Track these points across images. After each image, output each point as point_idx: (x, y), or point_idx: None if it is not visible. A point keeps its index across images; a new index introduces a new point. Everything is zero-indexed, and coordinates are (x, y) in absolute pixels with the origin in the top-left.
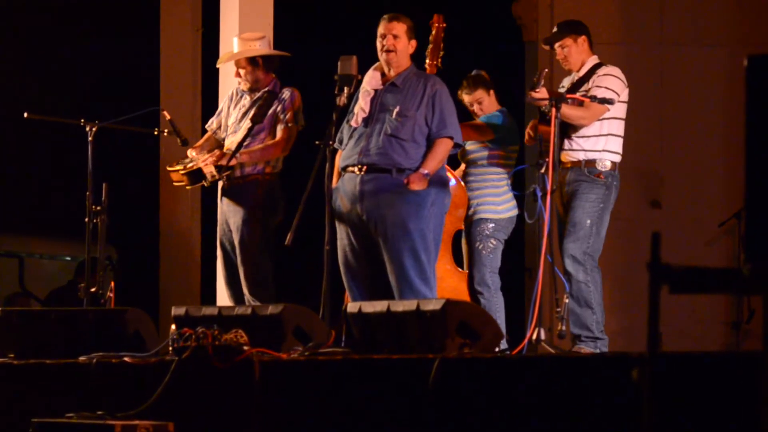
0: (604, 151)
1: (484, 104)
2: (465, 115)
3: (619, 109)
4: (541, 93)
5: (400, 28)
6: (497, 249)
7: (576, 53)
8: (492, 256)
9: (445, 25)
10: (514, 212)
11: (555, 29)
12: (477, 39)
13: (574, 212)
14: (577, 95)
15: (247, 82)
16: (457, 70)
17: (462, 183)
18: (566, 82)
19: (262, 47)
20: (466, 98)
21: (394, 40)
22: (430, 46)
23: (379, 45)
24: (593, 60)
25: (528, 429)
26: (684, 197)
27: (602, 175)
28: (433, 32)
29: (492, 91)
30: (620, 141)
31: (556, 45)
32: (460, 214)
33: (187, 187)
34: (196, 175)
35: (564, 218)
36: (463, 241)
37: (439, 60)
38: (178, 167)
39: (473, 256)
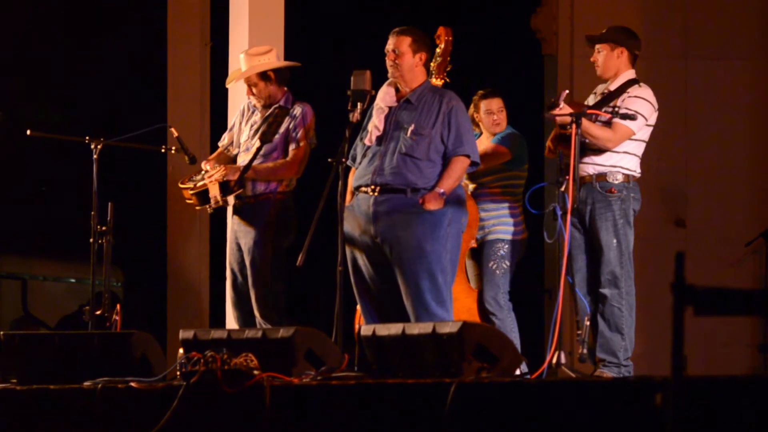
0: (615, 166)
1: (503, 116)
2: None
3: (644, 132)
4: (563, 110)
5: (404, 42)
6: (510, 270)
7: (608, 61)
8: (505, 277)
9: (452, 38)
10: (526, 235)
11: (605, 31)
12: (494, 52)
13: (599, 235)
14: (601, 111)
15: (261, 99)
16: (472, 84)
17: (474, 202)
18: (599, 89)
19: (271, 61)
20: (485, 105)
21: (395, 55)
22: (438, 59)
23: (387, 61)
24: (629, 75)
25: None
26: (709, 216)
27: (614, 189)
28: (441, 45)
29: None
30: (636, 160)
31: (595, 46)
32: (473, 233)
33: (197, 208)
34: (203, 195)
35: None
36: (470, 261)
37: (445, 74)
38: (189, 184)
39: (486, 276)
